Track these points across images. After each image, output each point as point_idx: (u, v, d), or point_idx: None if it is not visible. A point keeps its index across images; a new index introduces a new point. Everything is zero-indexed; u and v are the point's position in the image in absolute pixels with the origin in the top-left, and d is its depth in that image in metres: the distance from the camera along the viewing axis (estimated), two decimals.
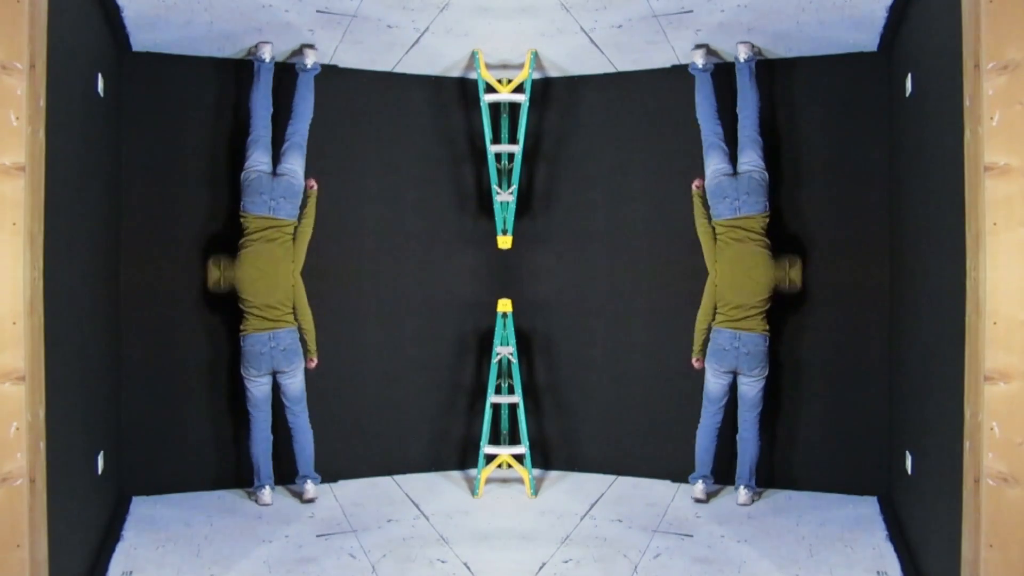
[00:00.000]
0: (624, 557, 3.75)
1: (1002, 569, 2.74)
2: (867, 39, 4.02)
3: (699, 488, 4.13)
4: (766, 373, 4.07)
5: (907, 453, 3.74)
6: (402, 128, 4.45)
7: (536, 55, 4.33)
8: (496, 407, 4.41)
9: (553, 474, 4.48)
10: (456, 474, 4.48)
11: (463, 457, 4.53)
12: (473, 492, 4.31)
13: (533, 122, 4.44)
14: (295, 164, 4.09)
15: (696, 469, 4.19)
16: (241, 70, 4.20)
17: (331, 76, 4.31)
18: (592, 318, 4.52)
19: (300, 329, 4.16)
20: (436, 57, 4.34)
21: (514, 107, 4.39)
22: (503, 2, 4.07)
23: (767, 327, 4.07)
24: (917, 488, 3.61)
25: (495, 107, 4.40)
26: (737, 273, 4.05)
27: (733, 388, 4.12)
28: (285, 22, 4.02)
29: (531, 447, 4.38)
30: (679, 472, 4.31)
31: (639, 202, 4.41)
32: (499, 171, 4.38)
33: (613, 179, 4.47)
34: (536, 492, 4.32)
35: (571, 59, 4.35)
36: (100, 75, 3.76)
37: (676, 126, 4.32)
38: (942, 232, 3.25)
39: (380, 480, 4.40)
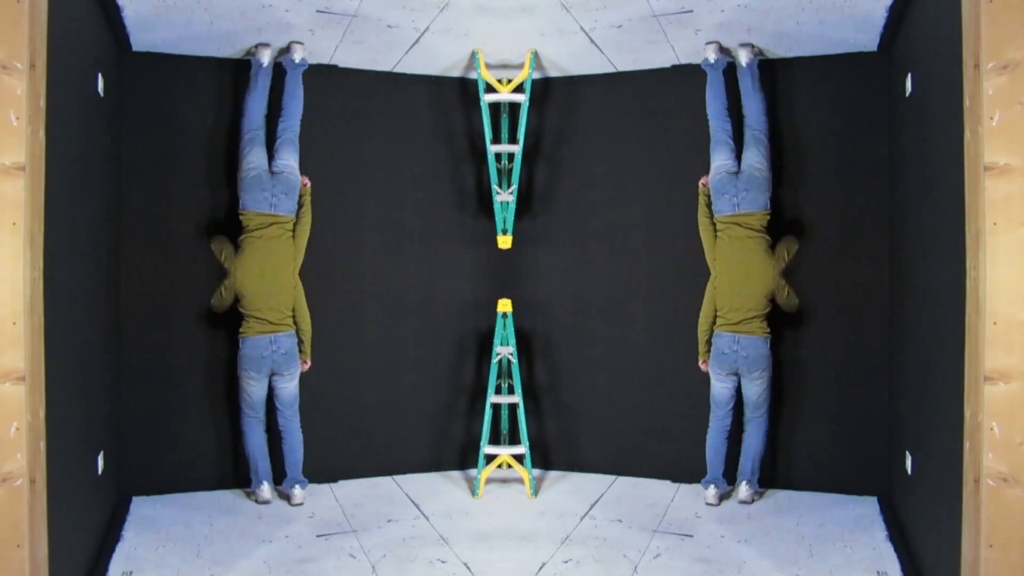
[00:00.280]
0: (624, 557, 3.75)
1: (1002, 569, 2.74)
2: (867, 39, 4.02)
3: (711, 493, 4.12)
4: (769, 374, 4.07)
5: (907, 453, 3.74)
6: (402, 128, 4.45)
7: (536, 55, 4.33)
8: (496, 407, 4.41)
9: (553, 474, 4.48)
10: (456, 474, 4.48)
11: (463, 457, 4.53)
12: (473, 492, 4.31)
13: (533, 122, 4.44)
14: (291, 160, 4.09)
15: (708, 473, 4.18)
16: (241, 70, 4.20)
17: (331, 76, 4.31)
18: (592, 318, 4.52)
19: (298, 331, 4.15)
20: (436, 57, 4.34)
21: (514, 107, 4.39)
22: (503, 2, 4.07)
23: (768, 330, 4.07)
24: (917, 488, 3.61)
25: (495, 107, 4.40)
26: (736, 270, 4.06)
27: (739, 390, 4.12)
28: (285, 22, 4.02)
29: (531, 447, 4.38)
30: (679, 472, 4.31)
31: (639, 202, 4.41)
32: (499, 171, 4.38)
33: (613, 179, 4.47)
34: (536, 492, 4.32)
35: (571, 59, 4.35)
36: (100, 75, 3.76)
37: (676, 126, 4.32)
38: (942, 232, 3.25)
39: (380, 480, 4.40)
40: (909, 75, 3.74)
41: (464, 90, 4.48)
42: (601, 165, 4.48)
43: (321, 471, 4.30)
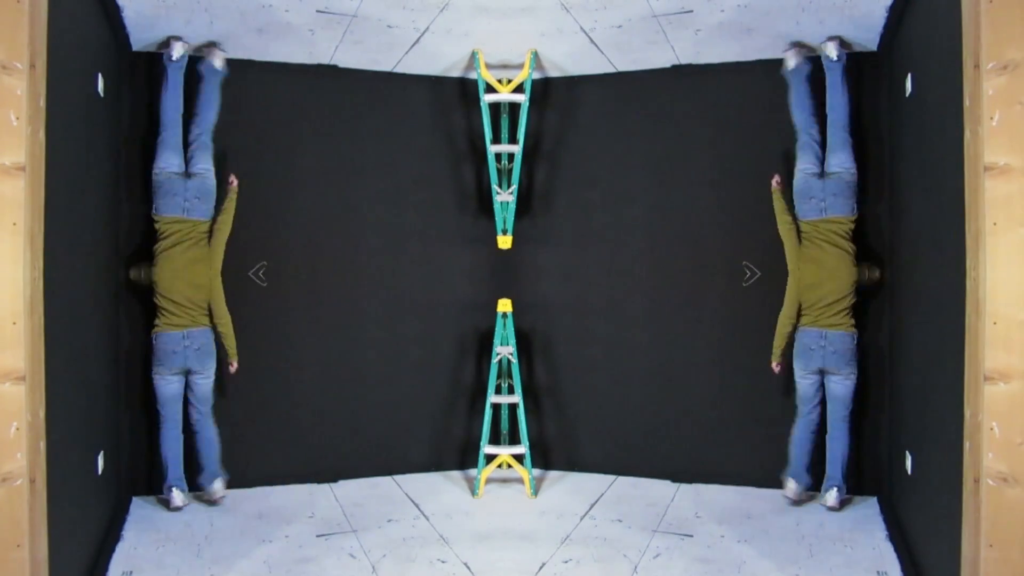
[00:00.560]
0: (624, 557, 3.75)
1: (1002, 569, 2.74)
2: (867, 39, 4.02)
3: (792, 487, 4.04)
4: (855, 372, 3.99)
5: (907, 453, 3.74)
6: (402, 128, 4.45)
7: (536, 55, 4.33)
8: (496, 407, 4.41)
9: (553, 474, 4.48)
10: (456, 474, 4.48)
11: (463, 457, 4.53)
12: (473, 492, 4.31)
13: (533, 122, 4.44)
14: (204, 163, 4.04)
15: (790, 467, 4.09)
16: (241, 70, 4.19)
17: (331, 76, 4.31)
18: (592, 318, 4.52)
19: (217, 332, 4.10)
20: (436, 57, 4.34)
21: (514, 107, 4.39)
22: (503, 2, 4.07)
23: (854, 324, 3.99)
24: (917, 488, 3.61)
25: (495, 107, 4.40)
26: (821, 275, 3.99)
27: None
28: (285, 22, 4.02)
29: (531, 447, 4.38)
30: (679, 472, 4.31)
31: (639, 202, 4.41)
32: (499, 171, 4.38)
33: (613, 179, 4.47)
34: (536, 492, 4.32)
35: (571, 59, 4.35)
36: (100, 75, 3.76)
37: (676, 126, 4.32)
38: (942, 232, 3.25)
39: (380, 480, 4.40)
40: (909, 75, 3.74)
41: (464, 90, 4.48)
42: (601, 165, 4.48)
43: (321, 471, 4.30)
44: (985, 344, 2.77)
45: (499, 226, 4.40)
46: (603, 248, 4.48)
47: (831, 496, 3.98)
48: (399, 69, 4.40)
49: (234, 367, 4.16)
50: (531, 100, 4.37)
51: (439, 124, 4.48)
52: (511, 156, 4.37)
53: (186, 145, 4.02)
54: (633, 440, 4.42)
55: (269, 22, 4.00)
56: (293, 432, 4.29)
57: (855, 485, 4.11)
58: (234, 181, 4.10)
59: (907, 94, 3.78)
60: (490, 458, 4.35)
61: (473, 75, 4.42)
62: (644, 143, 4.38)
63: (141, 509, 4.01)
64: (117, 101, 4.03)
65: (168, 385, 3.99)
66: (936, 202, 3.36)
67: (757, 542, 3.80)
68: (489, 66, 4.36)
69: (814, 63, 4.05)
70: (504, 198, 4.37)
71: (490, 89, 4.35)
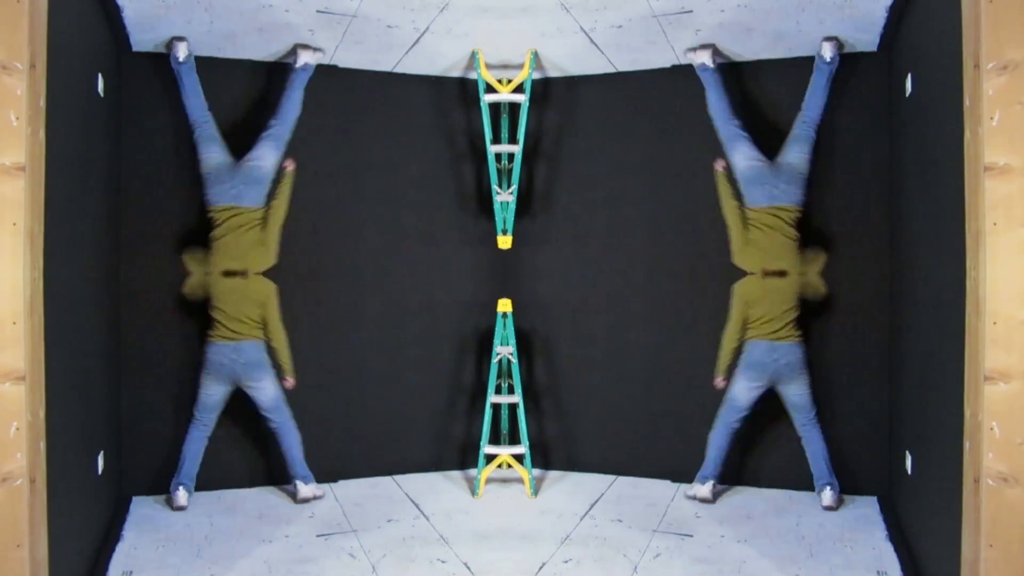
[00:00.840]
0: (624, 557, 3.76)
1: (1002, 569, 2.74)
2: (867, 39, 4.02)
3: (707, 488, 4.11)
4: (808, 378, 4.05)
5: (907, 453, 3.74)
6: (402, 128, 4.45)
7: (536, 55, 4.33)
8: (496, 407, 4.41)
9: (553, 474, 4.48)
10: (456, 474, 4.49)
11: (463, 457, 4.53)
12: (473, 492, 4.31)
13: (533, 122, 4.44)
14: (263, 152, 4.06)
15: (705, 468, 4.17)
16: (241, 70, 4.20)
17: (331, 76, 4.31)
18: (592, 318, 4.52)
19: (270, 347, 4.13)
20: (436, 57, 4.34)
21: (514, 107, 4.39)
22: (503, 2, 4.07)
23: (799, 334, 4.07)
24: (917, 488, 3.61)
25: (495, 107, 4.40)
26: (764, 261, 4.05)
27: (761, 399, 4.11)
28: (285, 22, 4.02)
29: (531, 447, 4.38)
30: (679, 472, 4.31)
31: (639, 202, 4.41)
32: (499, 171, 4.38)
33: (613, 179, 4.47)
34: (536, 492, 4.32)
35: (571, 59, 4.35)
36: (100, 75, 3.76)
37: (676, 126, 4.32)
38: (942, 232, 3.25)
39: (380, 480, 4.40)
40: (909, 75, 3.74)
41: (464, 90, 4.48)
42: (601, 165, 4.48)
43: (321, 471, 4.30)
44: (985, 344, 2.77)
45: (499, 226, 4.40)
46: (603, 248, 4.48)
47: (827, 495, 3.99)
48: (399, 69, 4.40)
49: (289, 383, 4.15)
50: (531, 100, 4.37)
51: (439, 124, 4.48)
52: (511, 156, 4.37)
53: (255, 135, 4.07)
54: (633, 440, 4.42)
55: (269, 22, 4.00)
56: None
57: (855, 485, 4.11)
58: (290, 165, 4.10)
59: (907, 94, 3.78)
60: (490, 458, 4.35)
61: (473, 75, 4.42)
62: (644, 143, 4.38)
63: (141, 509, 4.01)
64: (117, 101, 4.03)
65: (210, 396, 4.02)
66: (936, 202, 3.36)
67: (757, 542, 3.80)
68: (489, 66, 4.36)
69: (727, 65, 4.15)
70: (504, 198, 4.37)
71: (490, 89, 4.35)
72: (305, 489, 4.13)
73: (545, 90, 4.47)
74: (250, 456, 4.23)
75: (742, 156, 4.07)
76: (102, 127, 3.83)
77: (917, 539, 3.57)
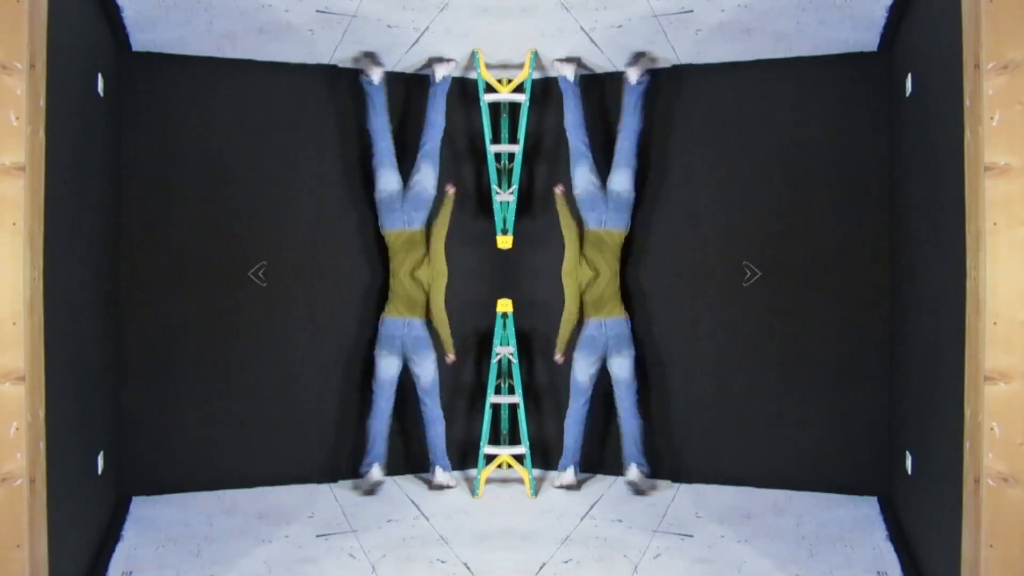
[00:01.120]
0: (624, 557, 3.76)
1: (1002, 569, 2.74)
2: (867, 39, 4.02)
3: (569, 475, 4.28)
4: (633, 353, 4.27)
5: (907, 453, 3.74)
6: (402, 128, 4.45)
7: (536, 55, 4.33)
8: (496, 407, 4.41)
9: (553, 474, 4.48)
10: (456, 474, 4.48)
11: (463, 457, 4.53)
12: (473, 492, 4.31)
13: (533, 122, 4.44)
14: (426, 173, 4.26)
15: (565, 457, 4.33)
16: (240, 70, 4.20)
17: (331, 76, 4.31)
18: None
19: (434, 327, 4.34)
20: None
21: (514, 107, 4.39)
22: (503, 2, 4.07)
23: (626, 311, 4.32)
24: (917, 488, 3.61)
25: (495, 107, 4.40)
26: (592, 274, 4.30)
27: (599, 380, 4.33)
28: (285, 22, 4.02)
29: (531, 447, 4.38)
30: (679, 472, 4.31)
31: (638, 202, 4.40)
32: (499, 171, 4.38)
33: None
34: (536, 492, 4.32)
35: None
36: (100, 75, 3.76)
37: (676, 126, 4.32)
38: (942, 232, 3.26)
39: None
40: (909, 75, 3.75)
41: (464, 90, 4.48)
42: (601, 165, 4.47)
43: (321, 471, 4.30)
44: (985, 344, 2.77)
45: (499, 226, 4.40)
46: None
47: (632, 471, 4.20)
48: (399, 69, 4.40)
49: (451, 358, 4.36)
50: (531, 100, 4.37)
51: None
52: (511, 156, 4.37)
53: (412, 154, 4.29)
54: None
55: (269, 22, 4.00)
56: (293, 432, 4.29)
57: (855, 485, 4.11)
58: (451, 189, 4.32)
59: (907, 94, 3.78)
60: (490, 458, 4.35)
61: (473, 75, 4.42)
62: (644, 143, 4.38)
63: (141, 509, 4.01)
64: (117, 101, 4.03)
65: (387, 368, 4.24)
66: (936, 202, 3.36)
67: (757, 542, 3.80)
68: (489, 66, 4.36)
69: (587, 80, 4.31)
70: (504, 198, 4.37)
71: (490, 89, 4.35)
72: (442, 476, 4.27)
73: (545, 90, 4.47)
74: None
75: (581, 177, 4.27)
76: (102, 127, 3.83)
77: (917, 539, 3.57)
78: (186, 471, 4.18)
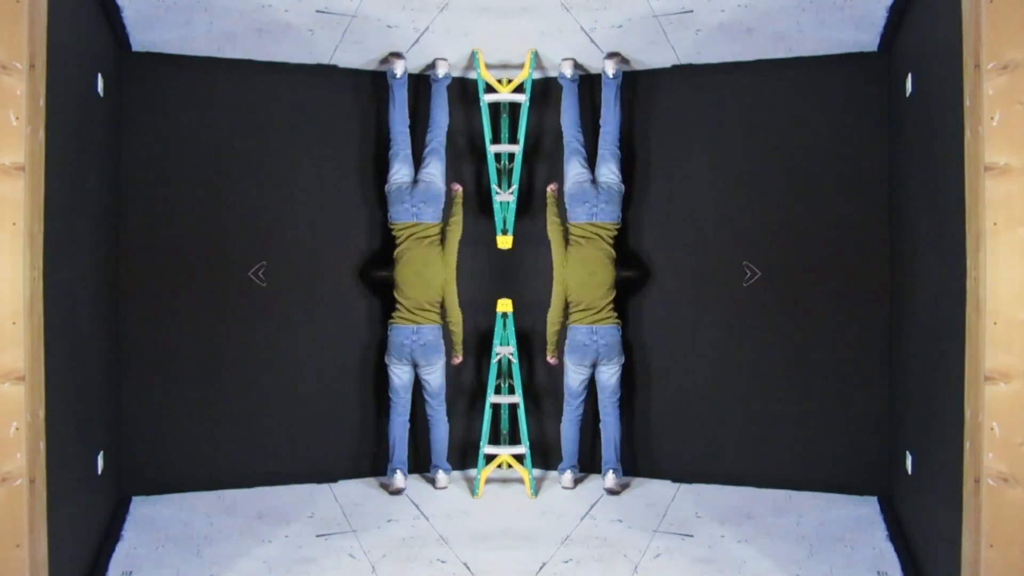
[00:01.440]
0: (624, 557, 3.76)
1: (1003, 569, 2.74)
2: (867, 39, 4.02)
3: (568, 477, 4.29)
4: (623, 361, 4.28)
5: (907, 453, 3.74)
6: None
7: (536, 55, 4.33)
8: (496, 407, 4.41)
9: (553, 474, 4.48)
10: (456, 474, 4.48)
11: (463, 457, 4.53)
12: (473, 492, 4.31)
13: (533, 122, 4.44)
14: (433, 169, 4.27)
15: (564, 460, 4.35)
16: (241, 70, 4.20)
17: (331, 76, 4.31)
18: None
19: (447, 328, 4.35)
20: (436, 57, 4.33)
21: (514, 107, 4.39)
22: (503, 2, 4.07)
23: (618, 318, 4.31)
24: (917, 488, 3.61)
25: (495, 107, 4.40)
26: (583, 273, 4.29)
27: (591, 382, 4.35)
28: (285, 22, 4.02)
29: (531, 447, 4.38)
30: (679, 472, 4.31)
31: (638, 201, 4.41)
32: (499, 171, 4.38)
33: None
34: (536, 492, 4.32)
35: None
36: (100, 75, 3.76)
37: (675, 126, 4.32)
38: (942, 232, 3.26)
39: (380, 480, 4.40)
40: (909, 75, 3.75)
41: (464, 90, 4.48)
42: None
43: (321, 471, 4.30)
44: (985, 344, 2.77)
45: (499, 226, 4.40)
46: None
47: (610, 478, 4.21)
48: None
49: (458, 359, 4.39)
50: (531, 100, 4.37)
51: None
52: (511, 156, 4.37)
53: (420, 151, 4.32)
54: (633, 440, 4.42)
55: (269, 22, 4.00)
56: (293, 432, 4.29)
57: (855, 485, 4.11)
58: (457, 188, 4.34)
59: (907, 94, 3.78)
60: (490, 458, 4.35)
61: (473, 75, 4.42)
62: (643, 143, 4.39)
63: (141, 509, 4.01)
64: (117, 101, 4.03)
65: (399, 378, 4.26)
66: (936, 202, 3.36)
67: (757, 542, 3.80)
68: (489, 66, 4.36)
69: (584, 78, 4.34)
70: (504, 198, 4.37)
71: (490, 89, 4.35)
72: (444, 479, 4.29)
73: (545, 90, 4.47)
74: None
75: (573, 172, 4.28)
76: (102, 127, 3.83)
77: (917, 539, 3.57)
78: (186, 471, 4.18)
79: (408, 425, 4.32)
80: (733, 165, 4.25)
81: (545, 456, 4.52)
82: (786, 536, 3.83)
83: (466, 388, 4.55)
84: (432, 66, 4.33)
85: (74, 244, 3.41)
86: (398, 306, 4.32)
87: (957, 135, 2.96)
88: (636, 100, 4.39)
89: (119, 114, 4.05)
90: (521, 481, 4.36)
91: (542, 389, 4.53)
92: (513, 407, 4.42)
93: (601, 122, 4.29)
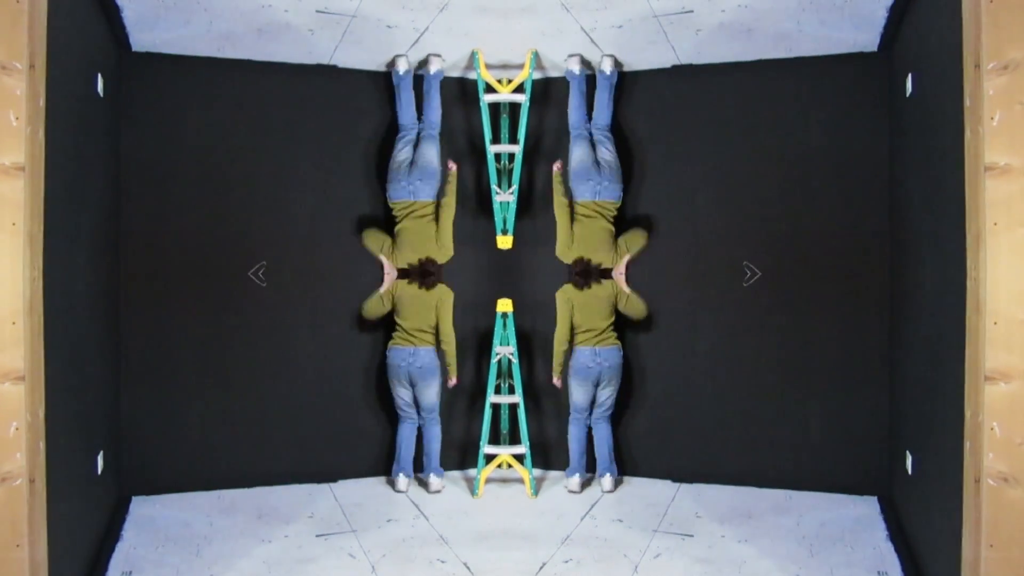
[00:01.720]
0: (624, 557, 3.76)
1: (1003, 569, 2.74)
2: (867, 39, 4.02)
3: (575, 481, 4.31)
4: (618, 383, 4.35)
5: (907, 453, 3.74)
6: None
7: (536, 55, 4.33)
8: (496, 407, 4.41)
9: (553, 474, 4.48)
10: (456, 474, 4.49)
11: (463, 457, 4.53)
12: (473, 492, 4.31)
13: (533, 122, 4.44)
14: (427, 150, 4.34)
15: (572, 464, 4.36)
16: (240, 70, 4.20)
17: (331, 76, 4.31)
18: None
19: (440, 350, 4.40)
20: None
21: (514, 107, 4.39)
22: (503, 2, 4.07)
23: (618, 338, 4.38)
24: (918, 488, 3.61)
25: (495, 107, 4.40)
26: (585, 252, 4.35)
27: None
28: (285, 22, 4.02)
29: (531, 447, 4.38)
30: (679, 472, 4.31)
31: (638, 201, 4.41)
32: (499, 171, 4.38)
33: None
34: (536, 492, 4.32)
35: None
36: (100, 75, 3.76)
37: (675, 126, 4.32)
38: (942, 232, 3.26)
39: (380, 480, 4.40)
40: (909, 75, 3.74)
41: (464, 90, 4.48)
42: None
43: (321, 471, 4.30)
44: (985, 344, 2.77)
45: (499, 226, 4.40)
46: None
47: (607, 481, 4.29)
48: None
49: (452, 382, 4.42)
50: (531, 100, 4.37)
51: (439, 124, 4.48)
52: (511, 156, 4.37)
53: (417, 136, 4.40)
54: (633, 440, 4.42)
55: (269, 22, 4.00)
56: (293, 432, 4.29)
57: (855, 485, 4.11)
58: (453, 167, 4.38)
59: (907, 94, 3.78)
60: (490, 458, 4.35)
61: (473, 75, 4.42)
62: (643, 143, 4.39)
63: (141, 509, 4.01)
64: (117, 101, 4.03)
65: (401, 397, 4.36)
66: (936, 202, 3.36)
67: (757, 542, 3.80)
68: (489, 66, 4.36)
69: (589, 75, 4.39)
70: (504, 198, 4.37)
71: (490, 89, 4.35)
72: (437, 482, 4.32)
73: (545, 90, 4.47)
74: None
75: (579, 153, 4.34)
76: (102, 127, 3.83)
77: (917, 539, 3.57)
78: (186, 471, 4.18)
79: (414, 434, 4.39)
80: (733, 165, 4.25)
81: (545, 456, 4.52)
82: (786, 536, 3.83)
83: (466, 388, 4.55)
84: (425, 62, 4.35)
85: (74, 244, 3.41)
86: (397, 327, 4.37)
87: (957, 135, 2.96)
88: (636, 100, 4.39)
89: (119, 114, 4.05)
90: (521, 481, 4.36)
91: (542, 389, 4.53)
92: (513, 407, 4.42)
93: (594, 114, 4.34)
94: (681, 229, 4.32)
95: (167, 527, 3.87)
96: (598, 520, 4.06)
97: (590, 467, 4.39)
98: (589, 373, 4.33)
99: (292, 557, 3.71)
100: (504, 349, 4.40)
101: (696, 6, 3.94)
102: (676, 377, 4.36)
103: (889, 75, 4.05)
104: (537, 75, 4.42)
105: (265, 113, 4.25)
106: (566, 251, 4.36)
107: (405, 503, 4.21)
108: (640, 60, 4.31)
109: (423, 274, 4.35)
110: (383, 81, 4.39)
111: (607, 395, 4.34)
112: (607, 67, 4.29)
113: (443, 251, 4.36)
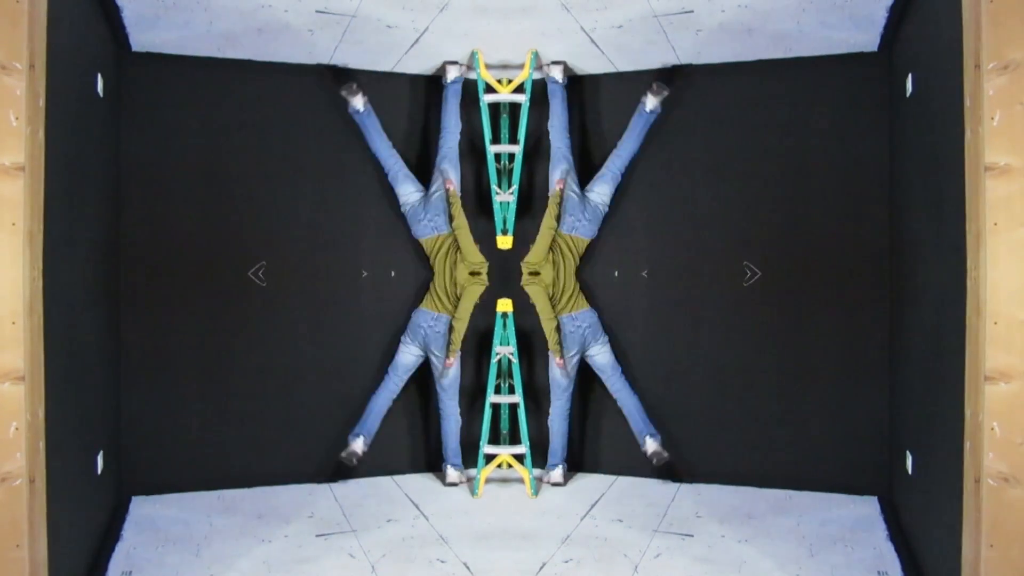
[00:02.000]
0: (624, 557, 3.76)
1: (1003, 569, 2.74)
2: (867, 39, 4.02)
3: (558, 473, 4.28)
4: (607, 339, 4.30)
5: (907, 453, 3.74)
6: (402, 128, 4.45)
7: (536, 55, 4.33)
8: (496, 407, 4.41)
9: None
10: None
11: (463, 457, 4.52)
12: (473, 492, 4.31)
13: (533, 122, 4.44)
14: (441, 176, 4.30)
15: (552, 456, 4.33)
16: (240, 70, 4.20)
17: (331, 76, 4.31)
18: None
19: (451, 325, 4.35)
20: (436, 57, 4.34)
21: (514, 107, 4.39)
22: (503, 2, 4.07)
23: (587, 303, 4.36)
24: (918, 488, 3.61)
25: (495, 107, 4.40)
26: (554, 274, 4.35)
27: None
28: (285, 22, 4.02)
29: (531, 447, 4.38)
30: (680, 472, 4.31)
31: (638, 201, 4.41)
32: (499, 171, 4.38)
33: None
34: (536, 492, 4.32)
35: (571, 59, 4.35)
36: (100, 75, 3.76)
37: (676, 126, 4.32)
38: (942, 232, 3.26)
39: (380, 480, 4.40)
40: (909, 75, 3.75)
41: (464, 90, 4.47)
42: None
43: (321, 471, 4.30)
44: (985, 344, 2.77)
45: (499, 226, 4.40)
46: (602, 247, 4.48)
47: (651, 445, 4.22)
48: (399, 69, 4.40)
49: (449, 362, 4.34)
50: (531, 100, 4.37)
51: (438, 124, 4.48)
52: (511, 156, 4.37)
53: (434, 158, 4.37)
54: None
55: (269, 22, 4.00)
56: (293, 431, 4.29)
57: (855, 485, 4.11)
58: (450, 186, 4.33)
59: (907, 94, 3.78)
60: (490, 458, 4.35)
61: (473, 75, 4.42)
62: (643, 143, 4.38)
63: (141, 509, 4.01)
64: (117, 101, 4.03)
65: (405, 355, 4.31)
66: (936, 202, 3.36)
67: (758, 542, 3.80)
68: (489, 66, 4.36)
69: (574, 81, 4.34)
70: (504, 198, 4.37)
71: (490, 89, 4.35)
72: (454, 474, 4.29)
73: (545, 90, 4.47)
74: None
75: (566, 182, 4.28)
76: (102, 127, 3.83)
77: (917, 539, 3.57)
78: (186, 471, 4.18)
79: (390, 404, 4.32)
80: (733, 165, 4.25)
81: (545, 456, 4.52)
82: (786, 536, 3.83)
83: (466, 388, 4.55)
84: (443, 71, 4.33)
85: (74, 244, 3.41)
86: (430, 288, 4.37)
87: (957, 135, 2.96)
88: (636, 100, 4.39)
89: (119, 114, 4.05)
90: (521, 481, 4.35)
91: (542, 389, 4.53)
92: (513, 407, 4.42)
93: (619, 144, 4.28)
94: (681, 229, 4.32)
95: (167, 527, 3.87)
96: (598, 520, 4.06)
97: (576, 461, 4.38)
98: (573, 339, 4.29)
99: (292, 557, 3.71)
100: (504, 349, 4.40)
101: (696, 6, 3.94)
102: (676, 377, 4.35)
103: (889, 75, 4.05)
104: (537, 75, 4.42)
105: (265, 113, 4.25)
106: (539, 262, 4.33)
107: (405, 503, 4.21)
108: (640, 60, 4.31)
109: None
110: (384, 81, 4.39)
111: (602, 353, 4.30)
112: (649, 104, 4.21)
113: (469, 265, 4.35)
